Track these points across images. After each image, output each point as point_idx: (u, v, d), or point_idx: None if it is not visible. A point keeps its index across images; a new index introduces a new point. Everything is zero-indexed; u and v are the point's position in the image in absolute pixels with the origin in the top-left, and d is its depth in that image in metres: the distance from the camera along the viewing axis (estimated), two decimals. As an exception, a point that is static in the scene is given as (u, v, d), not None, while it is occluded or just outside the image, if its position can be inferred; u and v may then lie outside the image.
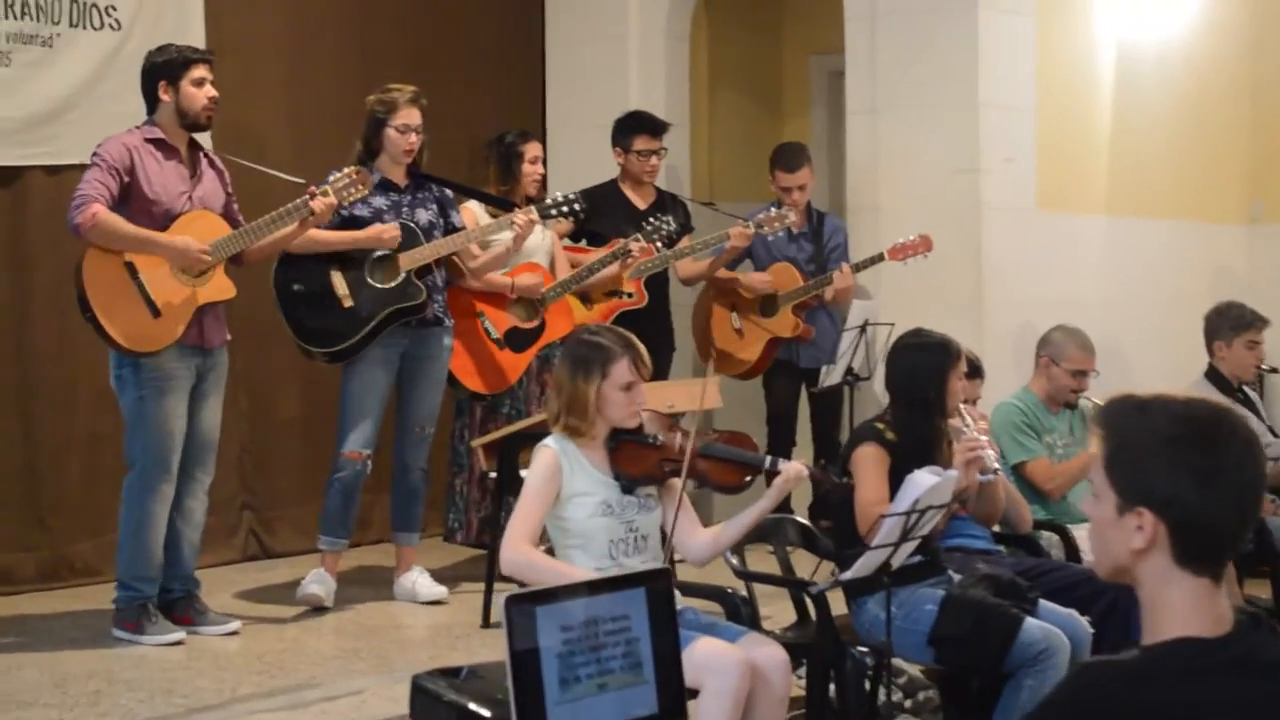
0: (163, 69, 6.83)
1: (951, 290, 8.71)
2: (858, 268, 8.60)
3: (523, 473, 7.00)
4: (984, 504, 6.12)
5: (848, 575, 5.24)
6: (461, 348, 7.71)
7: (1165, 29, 9.73)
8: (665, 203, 8.61)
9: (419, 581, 7.55)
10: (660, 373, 8.59)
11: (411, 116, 7.45)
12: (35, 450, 7.94)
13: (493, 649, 6.58)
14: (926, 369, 5.96)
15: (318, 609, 7.29)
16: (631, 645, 3.65)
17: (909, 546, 5.28)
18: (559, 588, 3.61)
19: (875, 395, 8.75)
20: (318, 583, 7.32)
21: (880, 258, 8.49)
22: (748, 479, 5.36)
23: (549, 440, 5.32)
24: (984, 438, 5.82)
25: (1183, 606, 2.84)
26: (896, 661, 5.96)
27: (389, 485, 7.84)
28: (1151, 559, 2.86)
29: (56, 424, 7.97)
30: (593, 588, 3.64)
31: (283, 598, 7.50)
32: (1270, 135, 10.40)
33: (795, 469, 5.28)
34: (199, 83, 6.83)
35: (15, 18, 7.66)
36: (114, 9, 8.02)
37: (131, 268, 6.63)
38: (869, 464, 5.82)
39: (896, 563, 5.28)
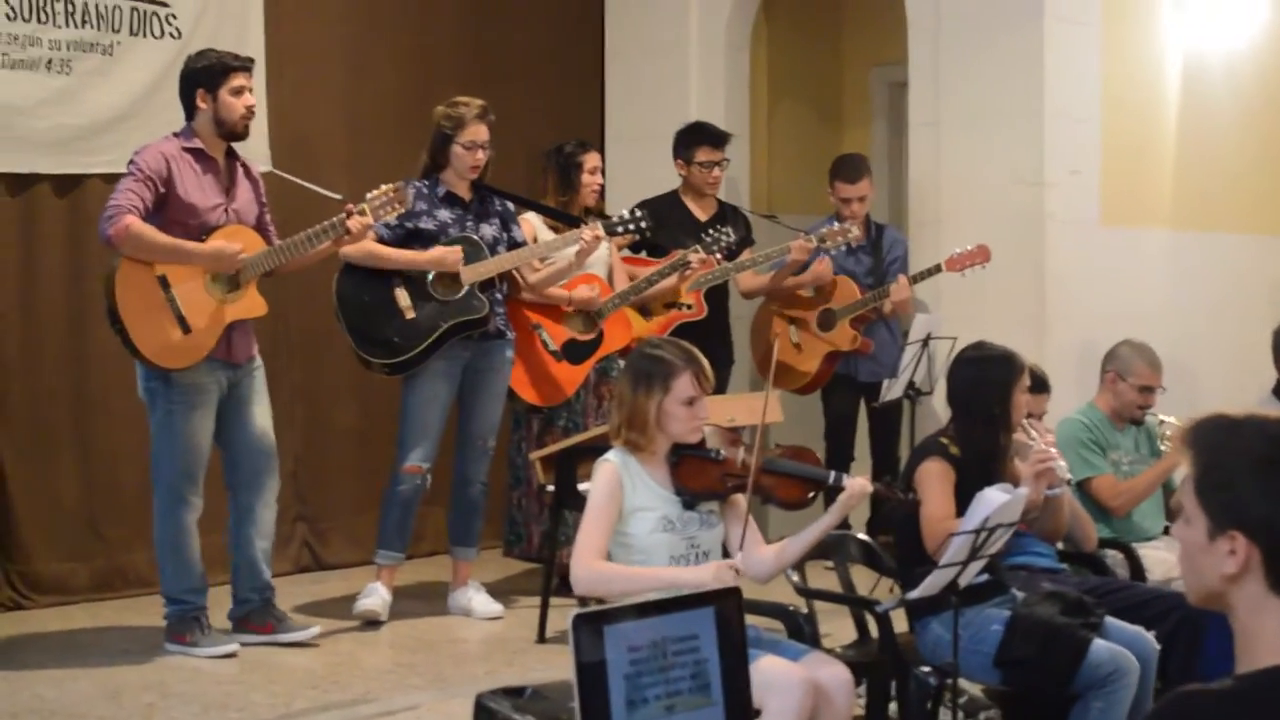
0: (201, 76, 6.74)
1: (1013, 304, 8.59)
2: (915, 279, 8.50)
3: (581, 486, 7.03)
4: (1048, 520, 6.01)
5: (915, 594, 5.13)
6: (518, 360, 7.64)
7: (1233, 40, 9.58)
8: (726, 215, 8.53)
9: (475, 598, 7.49)
10: (719, 386, 8.47)
11: (479, 133, 7.39)
12: (91, 459, 7.92)
13: (549, 664, 6.54)
14: (990, 383, 5.85)
15: (372, 623, 7.21)
16: (700, 666, 3.56)
17: (976, 565, 5.18)
18: (626, 607, 3.51)
19: (935, 410, 8.64)
20: (374, 597, 7.26)
21: (938, 269, 8.38)
22: (811, 495, 5.26)
23: (610, 455, 5.24)
24: (1054, 450, 5.71)
25: (1278, 634, 2.74)
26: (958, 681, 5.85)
27: (444, 498, 7.77)
28: (1245, 585, 2.76)
29: (112, 432, 7.94)
30: (661, 607, 3.55)
31: (337, 611, 7.44)
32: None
33: (860, 484, 5.18)
34: (237, 91, 6.74)
35: (76, 25, 7.64)
36: (175, 17, 7.99)
37: (164, 281, 6.57)
38: (934, 479, 5.71)
39: (964, 581, 5.17)
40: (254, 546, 6.86)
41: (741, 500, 5.32)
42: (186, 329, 6.55)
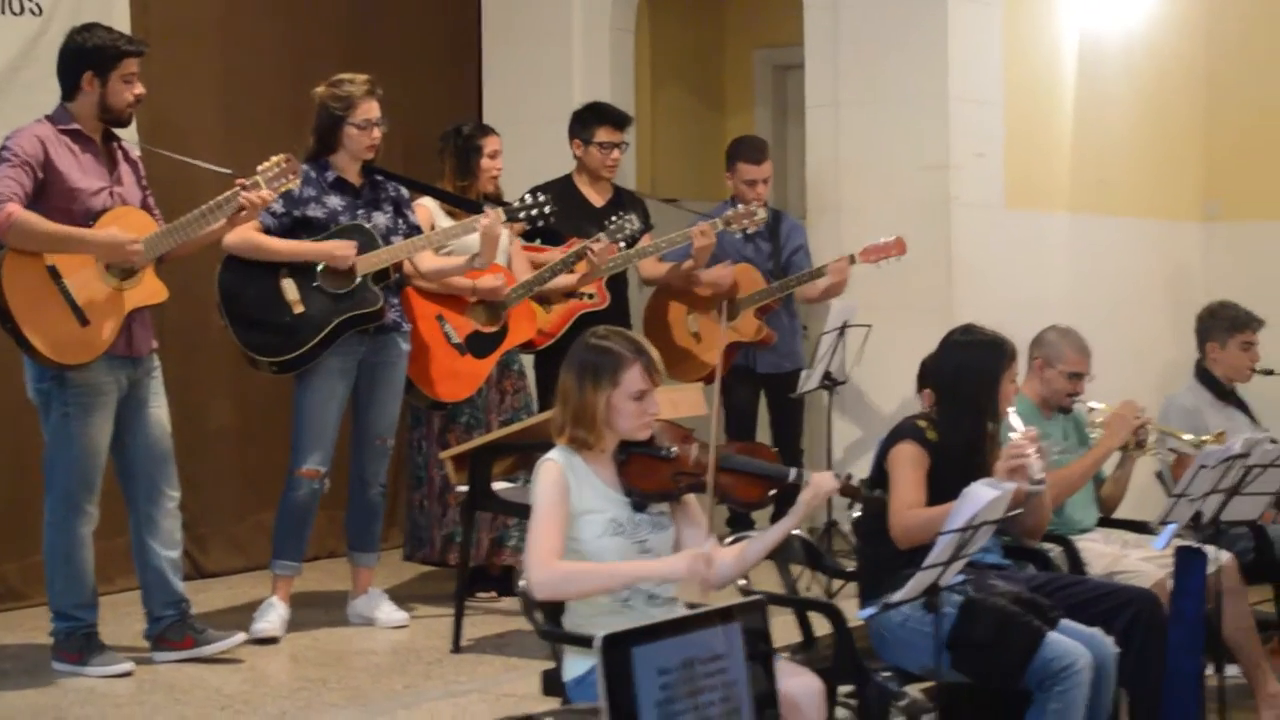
0: (90, 57, 6.20)
1: (920, 290, 8.40)
2: (800, 280, 8.18)
3: (495, 486, 6.67)
4: (1029, 516, 5.75)
5: (899, 596, 4.83)
6: (421, 353, 7.23)
7: (1128, 20, 9.48)
8: (623, 200, 8.18)
9: (378, 606, 7.06)
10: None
11: (371, 110, 6.95)
12: (-46, 469, 7.39)
13: (471, 676, 6.21)
14: (977, 369, 5.63)
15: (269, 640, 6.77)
16: (729, 689, 3.24)
17: (958, 565, 4.90)
18: (651, 626, 3.17)
19: (859, 398, 8.41)
20: (271, 614, 6.80)
21: (851, 260, 8.09)
22: (771, 492, 4.96)
23: (552, 454, 4.90)
24: (1030, 445, 5.44)
25: None
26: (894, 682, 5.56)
27: (338, 500, 7.35)
28: None
29: (-26, 438, 7.42)
30: (684, 624, 3.21)
31: (226, 622, 6.92)
32: (1225, 132, 10.21)
33: (825, 481, 4.89)
34: (129, 79, 6.25)
35: (-70, 2, 7.11)
36: (36, -7, 7.47)
37: (54, 271, 6.05)
38: (906, 464, 5.46)
39: (944, 582, 4.88)
40: (160, 558, 6.38)
41: (693, 500, 5.01)
42: (84, 320, 6.05)
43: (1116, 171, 9.55)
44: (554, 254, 7.72)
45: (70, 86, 6.24)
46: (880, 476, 5.63)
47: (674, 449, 4.90)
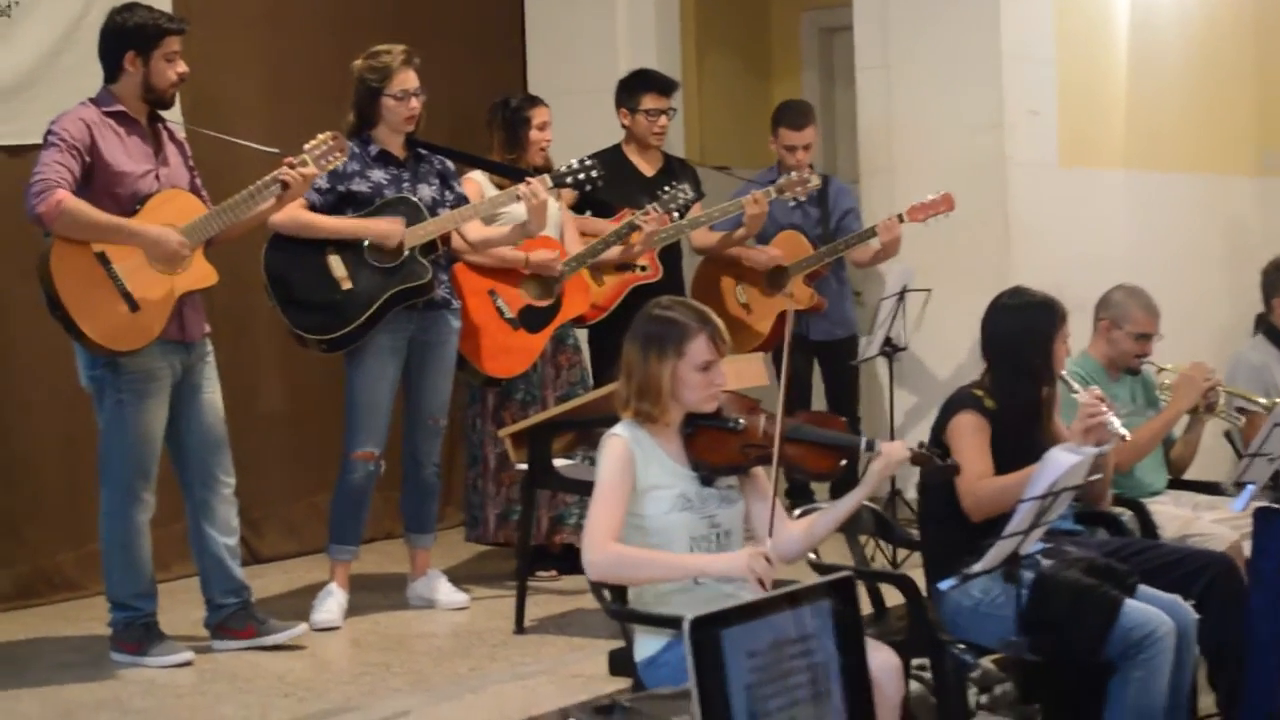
0: (132, 36, 6.10)
1: (977, 251, 8.28)
2: (849, 244, 8.04)
3: (557, 463, 6.56)
4: (1096, 481, 5.61)
5: (979, 567, 4.71)
6: (474, 329, 7.12)
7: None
8: (674, 169, 8.05)
9: (438, 588, 6.97)
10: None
11: (408, 80, 6.83)
12: (7, 457, 7.32)
13: (537, 657, 6.12)
14: (1029, 331, 5.48)
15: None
16: (818, 670, 3.12)
17: (1038, 533, 4.77)
18: (740, 607, 3.05)
19: (919, 365, 8.28)
20: (330, 602, 6.72)
21: (900, 219, 7.95)
22: (842, 463, 4.82)
23: (618, 428, 4.78)
24: (1102, 404, 5.31)
25: None
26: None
27: (393, 481, 7.25)
28: None
29: (28, 427, 7.37)
30: (776, 603, 3.09)
31: (283, 609, 6.85)
32: (1276, 83, 9.99)
33: (897, 449, 4.76)
34: (171, 57, 6.15)
35: (-30, -14, 7.02)
36: (75, -25, 7.37)
37: (104, 258, 5.95)
38: (969, 434, 5.33)
39: (1024, 550, 4.75)
40: (218, 545, 6.29)
41: (763, 474, 4.89)
42: (134, 306, 5.96)
43: (1170, 126, 9.39)
44: (606, 226, 7.59)
45: (112, 67, 6.14)
46: (940, 449, 5.50)
47: (741, 420, 4.77)
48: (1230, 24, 9.80)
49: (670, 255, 7.95)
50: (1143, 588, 5.25)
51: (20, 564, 7.31)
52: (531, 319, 7.27)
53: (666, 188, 7.56)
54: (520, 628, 6.48)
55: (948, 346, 8.31)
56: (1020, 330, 5.51)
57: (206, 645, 6.32)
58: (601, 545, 4.59)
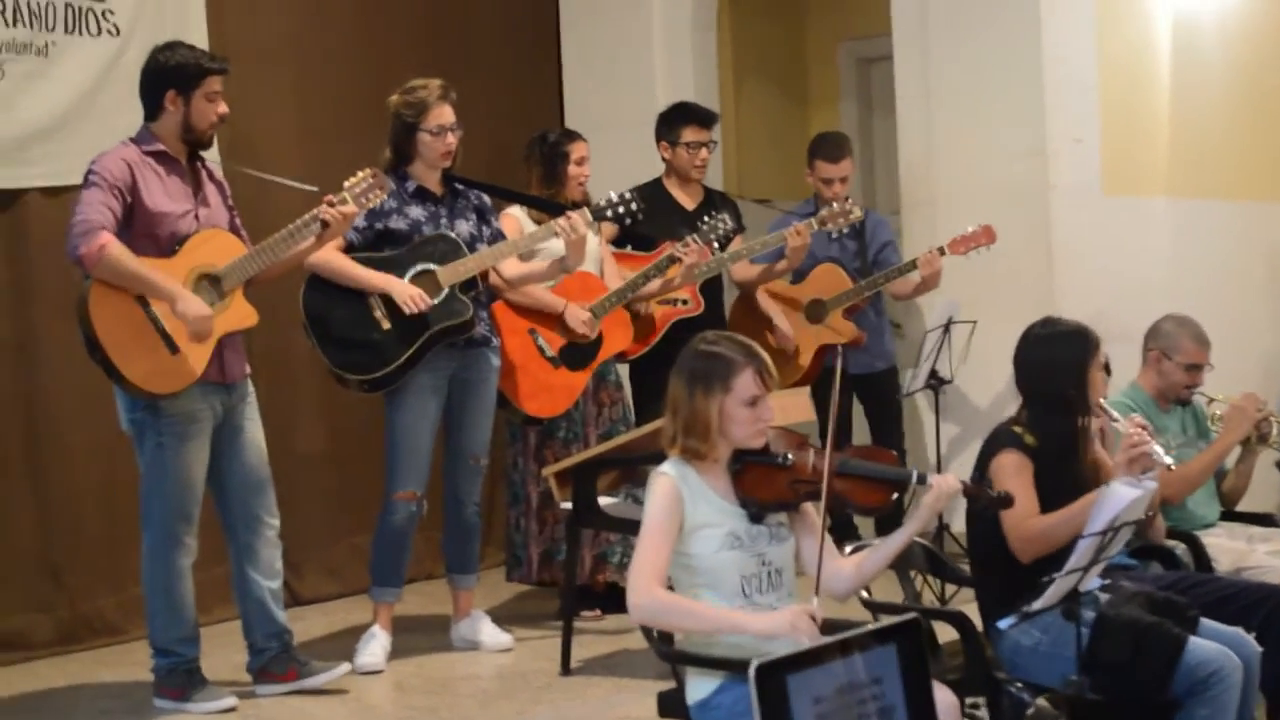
0: (173, 75, 6.06)
1: (1021, 281, 8.17)
2: (888, 277, 7.96)
3: (603, 501, 6.48)
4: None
5: (1039, 604, 4.60)
6: (514, 368, 7.06)
7: (1224, -1, 9.19)
8: (715, 201, 7.98)
9: (482, 629, 6.89)
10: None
11: (444, 115, 6.78)
12: (45, 501, 7.29)
13: (583, 699, 6.04)
14: (1063, 362, 5.36)
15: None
16: (887, 715, 3.03)
17: (1098, 569, 4.67)
18: (808, 652, 2.97)
19: (964, 397, 8.18)
20: (374, 645, 6.65)
21: (941, 252, 7.86)
22: (893, 497, 4.72)
23: (665, 467, 4.68)
24: (1145, 432, 5.20)
25: None
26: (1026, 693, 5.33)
27: (433, 521, 7.18)
28: None
29: (67, 471, 7.33)
30: (843, 647, 3.00)
31: (326, 651, 6.78)
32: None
33: (948, 483, 4.66)
34: (212, 97, 6.11)
35: (7, 25, 7.01)
36: (111, 13, 7.38)
37: (143, 300, 5.91)
38: (1012, 473, 5.21)
39: (1084, 588, 4.65)
40: (261, 589, 6.23)
41: (812, 510, 4.79)
42: (174, 349, 5.91)
43: (1212, 152, 9.27)
44: (646, 260, 7.52)
45: (153, 106, 6.11)
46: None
47: (790, 456, 4.68)
48: (1273, 50, 9.68)
49: (712, 289, 7.88)
50: (1205, 622, 5.13)
51: (60, 609, 7.27)
52: (573, 357, 7.20)
53: (706, 218, 7.50)
54: (566, 669, 6.40)
55: (992, 378, 8.20)
56: (1053, 360, 5.39)
57: (249, 690, 6.25)
58: (647, 589, 4.49)
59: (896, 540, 4.77)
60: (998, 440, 5.37)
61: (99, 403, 7.10)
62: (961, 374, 8.12)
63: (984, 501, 4.80)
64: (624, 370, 7.71)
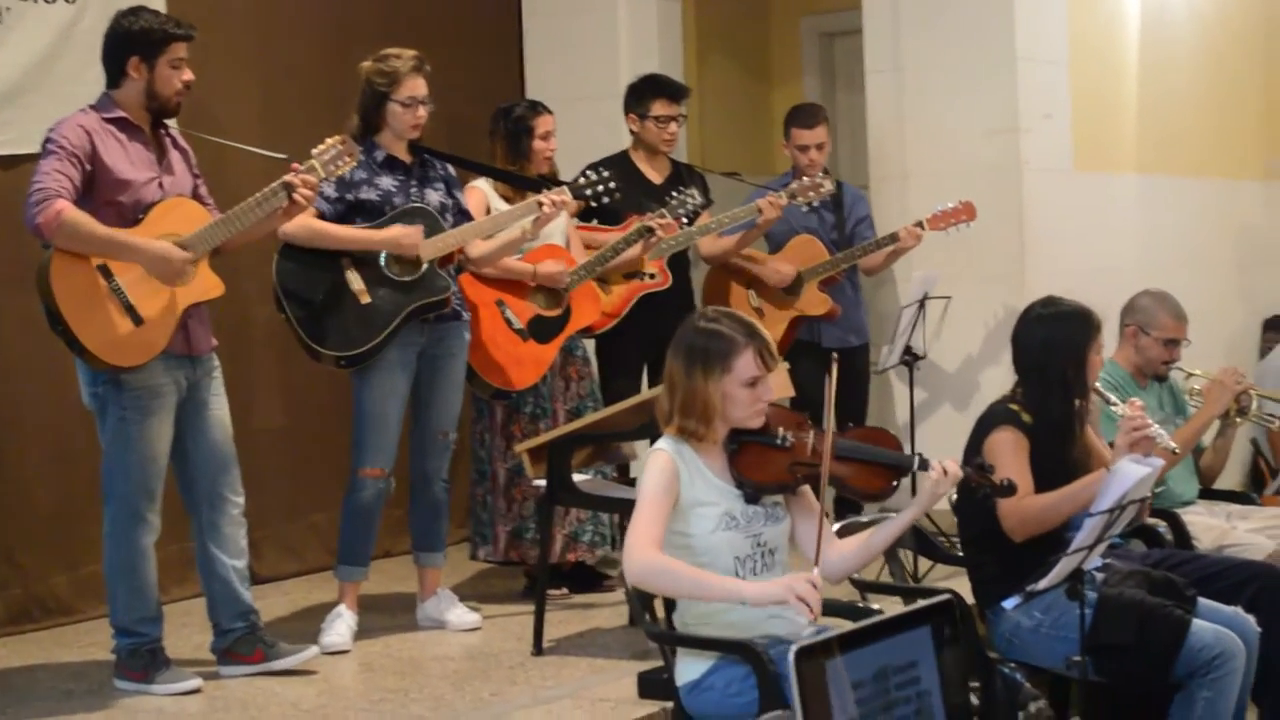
0: (137, 41, 5.86)
1: (992, 258, 8.13)
2: (866, 250, 7.86)
3: (578, 477, 6.35)
4: None
5: (1044, 584, 4.50)
6: (482, 341, 6.90)
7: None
8: (682, 175, 7.84)
9: (450, 608, 6.74)
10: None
11: (417, 87, 6.61)
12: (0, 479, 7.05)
13: (558, 681, 5.88)
14: (1063, 342, 5.29)
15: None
16: (923, 699, 2.93)
17: (1101, 548, 4.57)
18: (843, 636, 2.85)
19: (938, 373, 8.09)
20: (339, 624, 6.48)
21: (920, 226, 7.77)
22: (894, 482, 4.62)
23: (662, 443, 4.58)
24: (1144, 416, 5.12)
25: None
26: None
27: (396, 499, 7.01)
28: None
29: (20, 447, 7.10)
30: (877, 631, 2.89)
31: (286, 631, 6.63)
32: (1283, 87, 9.88)
33: (951, 469, 4.56)
34: (177, 64, 5.91)
35: (-42, -9, 6.78)
36: (67, -21, 7.14)
37: (106, 270, 5.72)
38: (1009, 451, 5.13)
39: (1088, 566, 4.56)
40: (226, 568, 6.06)
41: (808, 490, 4.68)
42: (138, 320, 5.72)
43: (1181, 130, 9.24)
44: (613, 234, 7.38)
45: (115, 73, 5.91)
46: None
47: (789, 437, 4.57)
48: (1240, 27, 9.68)
49: (678, 263, 7.74)
50: (1202, 601, 5.06)
51: (13, 588, 7.06)
52: (541, 329, 7.06)
53: (675, 193, 7.38)
54: (539, 649, 6.25)
55: (962, 353, 8.15)
56: (1053, 341, 5.32)
57: (213, 671, 6.08)
58: (643, 551, 4.38)
59: (893, 526, 4.69)
60: (994, 417, 5.30)
61: (53, 377, 6.95)
62: (934, 349, 8.03)
63: (987, 488, 4.69)
64: (591, 345, 7.57)
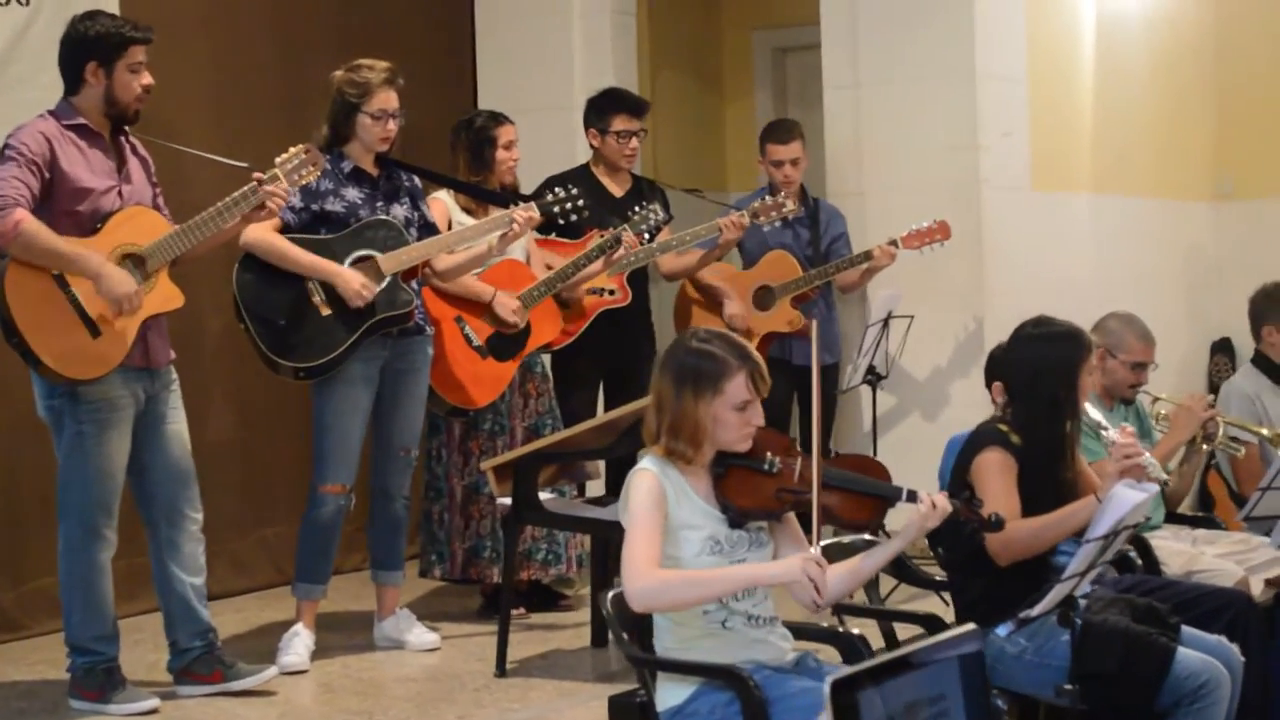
0: (94, 46, 5.76)
1: (953, 276, 8.08)
2: (841, 266, 7.82)
3: (543, 496, 6.26)
4: None
5: (1040, 610, 4.44)
6: (441, 356, 6.81)
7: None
8: (643, 190, 7.76)
9: (409, 628, 6.63)
10: (642, 378, 7.76)
11: (389, 100, 6.52)
12: (-59, 491, 6.92)
13: (522, 702, 5.83)
14: (1055, 363, 5.22)
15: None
16: (953, 734, 2.85)
17: (1093, 574, 4.53)
18: (874, 667, 2.78)
19: (900, 392, 8.05)
20: (297, 643, 6.36)
21: (894, 244, 7.73)
22: (881, 514, 4.54)
23: (646, 462, 4.50)
24: (1137, 443, 5.07)
25: None
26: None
27: (353, 515, 6.89)
28: None
29: (-36, 459, 6.95)
30: (905, 662, 2.82)
31: (243, 650, 6.51)
32: (1234, 108, 9.90)
33: (939, 501, 4.49)
34: (135, 68, 5.81)
35: (-91, -9, 6.63)
36: (21, -18, 7.00)
37: (62, 280, 5.61)
38: (995, 472, 5.07)
39: (1079, 593, 4.51)
40: (184, 586, 5.95)
41: (793, 517, 4.60)
42: (95, 331, 5.60)
43: (1133, 150, 9.25)
44: (575, 249, 7.30)
45: (73, 79, 5.80)
46: (960, 488, 5.22)
47: (777, 463, 4.48)
48: (1191, 48, 9.70)
49: (638, 280, 7.66)
50: (1187, 629, 5.03)
51: (-45, 604, 6.92)
52: (500, 347, 6.98)
53: (637, 208, 7.30)
54: (502, 670, 6.15)
55: (922, 371, 8.11)
56: (1044, 361, 5.24)
57: (170, 691, 5.95)
58: (645, 572, 4.29)
59: (877, 558, 4.62)
60: (982, 437, 5.23)
61: (1, 389, 6.82)
62: (896, 368, 8.00)
63: (975, 524, 4.61)
64: (549, 361, 7.49)
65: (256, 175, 5.92)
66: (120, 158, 5.88)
